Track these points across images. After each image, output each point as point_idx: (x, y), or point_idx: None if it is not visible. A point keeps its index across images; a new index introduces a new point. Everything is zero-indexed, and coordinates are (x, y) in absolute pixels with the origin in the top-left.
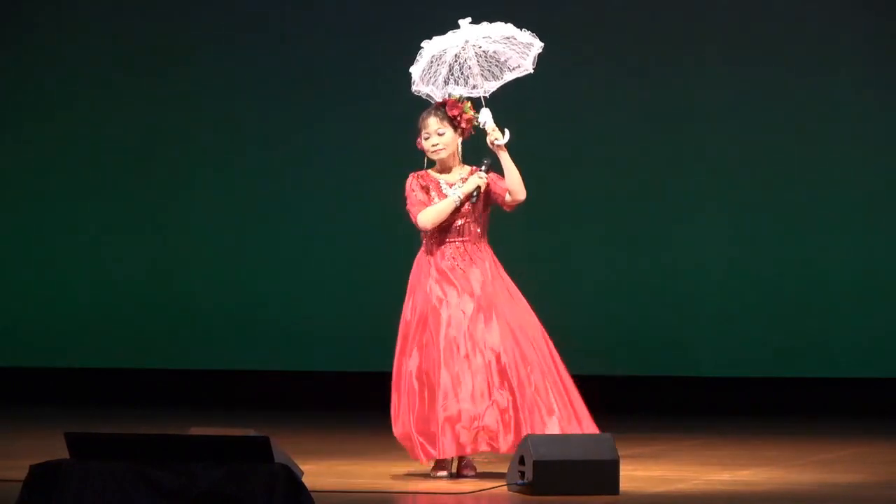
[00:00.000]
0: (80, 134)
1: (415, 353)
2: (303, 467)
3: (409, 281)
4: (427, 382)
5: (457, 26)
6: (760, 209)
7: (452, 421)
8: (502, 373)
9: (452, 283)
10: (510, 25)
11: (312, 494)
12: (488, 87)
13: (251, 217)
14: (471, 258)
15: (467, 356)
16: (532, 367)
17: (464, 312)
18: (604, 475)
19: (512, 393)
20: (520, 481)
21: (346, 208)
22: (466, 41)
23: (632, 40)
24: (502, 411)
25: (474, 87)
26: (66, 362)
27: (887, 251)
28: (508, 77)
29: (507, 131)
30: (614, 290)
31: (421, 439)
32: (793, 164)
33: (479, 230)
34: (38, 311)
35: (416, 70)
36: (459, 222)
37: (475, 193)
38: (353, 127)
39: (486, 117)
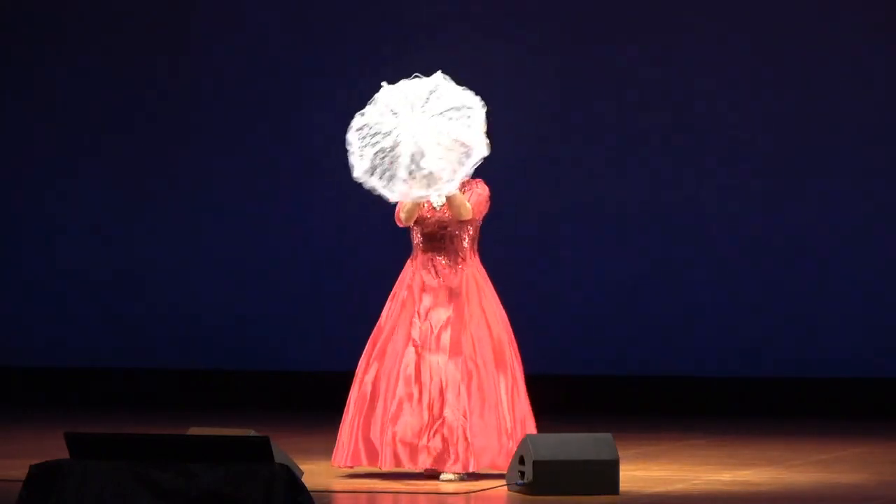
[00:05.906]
0: (76, 133)
1: (377, 359)
2: (303, 467)
3: (394, 287)
4: (381, 392)
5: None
6: (761, 209)
7: (397, 435)
8: (457, 391)
9: (429, 294)
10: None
11: (312, 494)
12: (449, 186)
13: (250, 217)
14: (452, 268)
15: (429, 370)
16: (489, 388)
17: (432, 328)
18: (604, 475)
19: (464, 414)
20: (520, 481)
21: (346, 208)
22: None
23: (628, 30)
24: (451, 431)
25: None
26: (66, 362)
27: (887, 251)
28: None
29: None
30: (613, 291)
31: (362, 445)
32: (791, 163)
33: (464, 242)
34: (38, 310)
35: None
36: (433, 230)
37: None
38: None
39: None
